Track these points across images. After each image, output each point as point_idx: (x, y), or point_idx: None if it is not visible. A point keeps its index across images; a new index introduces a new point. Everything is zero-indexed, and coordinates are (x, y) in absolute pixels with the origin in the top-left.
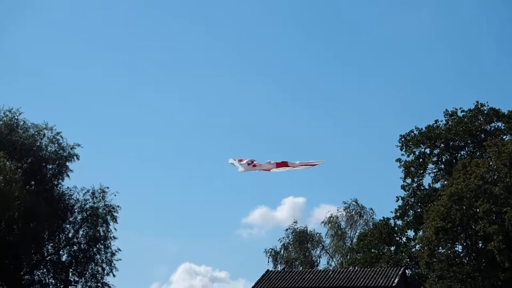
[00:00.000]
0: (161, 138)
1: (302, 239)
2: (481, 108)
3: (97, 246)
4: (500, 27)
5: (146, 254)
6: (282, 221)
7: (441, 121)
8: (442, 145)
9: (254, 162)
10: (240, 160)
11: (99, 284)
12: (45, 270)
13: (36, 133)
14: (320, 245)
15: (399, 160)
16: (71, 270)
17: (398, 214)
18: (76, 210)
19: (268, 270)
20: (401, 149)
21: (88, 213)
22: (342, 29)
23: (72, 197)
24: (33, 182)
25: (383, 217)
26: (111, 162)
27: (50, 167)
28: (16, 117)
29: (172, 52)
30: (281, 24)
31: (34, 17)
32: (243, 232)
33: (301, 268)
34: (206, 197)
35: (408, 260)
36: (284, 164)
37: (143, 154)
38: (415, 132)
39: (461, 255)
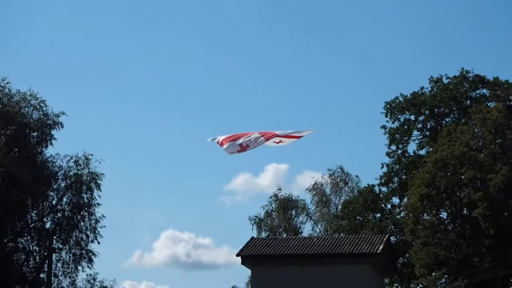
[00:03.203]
0: (144, 106)
1: (286, 206)
2: (466, 75)
3: (81, 213)
4: None
5: (128, 222)
6: (265, 188)
7: (426, 88)
8: (427, 111)
9: (241, 142)
10: (222, 143)
11: (83, 251)
12: (29, 238)
13: (21, 100)
14: (305, 212)
15: (384, 127)
16: (55, 237)
17: (383, 181)
18: (60, 177)
19: (252, 237)
20: (386, 116)
21: (72, 180)
22: None
23: (56, 164)
24: (16, 149)
25: (368, 184)
26: (95, 130)
27: (34, 134)
28: (2, 85)
29: (156, 21)
30: None
31: None
32: (225, 199)
33: (285, 235)
34: (188, 164)
35: (393, 227)
36: (271, 134)
37: (125, 123)
38: (400, 98)
39: (446, 222)
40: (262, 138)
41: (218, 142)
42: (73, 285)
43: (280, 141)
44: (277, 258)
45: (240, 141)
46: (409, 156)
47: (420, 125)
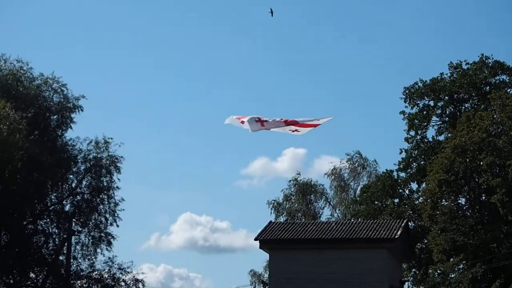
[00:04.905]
0: (163, 90)
1: (305, 191)
2: (486, 61)
3: (100, 196)
4: None
5: (147, 205)
6: (283, 172)
7: (445, 73)
8: (446, 97)
9: (262, 118)
10: (242, 120)
11: (102, 234)
12: (48, 220)
13: (42, 83)
14: (323, 196)
15: (403, 112)
16: (74, 220)
17: (401, 166)
18: (79, 161)
19: (271, 221)
20: (405, 101)
21: (91, 164)
22: None
23: (76, 147)
24: (36, 132)
25: (387, 169)
26: (114, 114)
27: (54, 117)
28: (23, 68)
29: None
30: None
31: None
32: (242, 183)
33: (303, 219)
34: (205, 148)
35: (411, 212)
36: (293, 122)
37: (145, 106)
38: (419, 84)
39: (464, 208)
40: (282, 121)
41: (236, 118)
42: (92, 268)
43: (296, 130)
44: (295, 243)
45: (262, 118)
46: (427, 141)
47: (439, 111)
